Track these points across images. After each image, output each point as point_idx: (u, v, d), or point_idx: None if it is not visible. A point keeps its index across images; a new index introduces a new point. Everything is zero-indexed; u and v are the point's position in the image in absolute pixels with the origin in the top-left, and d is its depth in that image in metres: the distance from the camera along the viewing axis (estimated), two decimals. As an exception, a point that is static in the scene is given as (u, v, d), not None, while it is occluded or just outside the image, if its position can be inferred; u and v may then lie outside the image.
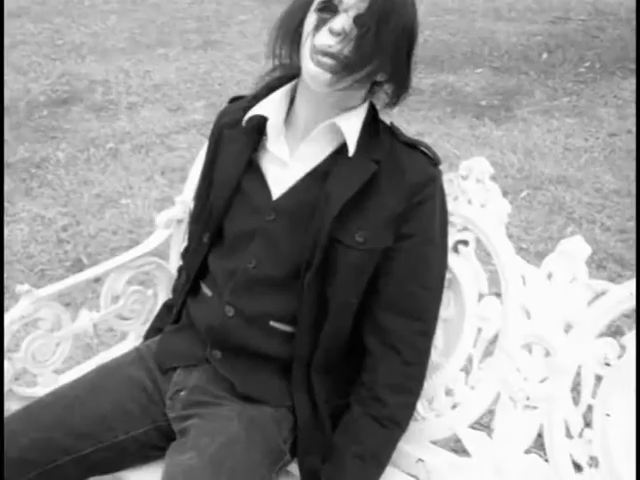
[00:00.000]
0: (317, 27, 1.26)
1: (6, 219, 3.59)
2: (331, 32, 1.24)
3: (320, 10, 1.27)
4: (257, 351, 1.40)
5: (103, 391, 1.44)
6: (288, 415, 1.40)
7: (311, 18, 1.28)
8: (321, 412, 1.39)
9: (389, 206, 1.33)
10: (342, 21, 1.24)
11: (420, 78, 5.41)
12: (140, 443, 1.44)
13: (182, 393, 1.43)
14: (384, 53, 1.26)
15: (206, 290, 1.47)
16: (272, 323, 1.39)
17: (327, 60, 1.25)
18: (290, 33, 1.32)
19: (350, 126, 1.34)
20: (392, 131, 1.40)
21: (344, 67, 1.25)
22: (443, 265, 1.41)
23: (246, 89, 1.41)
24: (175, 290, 1.64)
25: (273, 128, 1.39)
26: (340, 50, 1.24)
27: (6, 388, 1.55)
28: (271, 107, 1.38)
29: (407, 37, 1.30)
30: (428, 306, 1.39)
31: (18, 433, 1.37)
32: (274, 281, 1.38)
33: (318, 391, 1.38)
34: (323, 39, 1.25)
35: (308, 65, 1.28)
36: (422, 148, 1.40)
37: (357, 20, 1.24)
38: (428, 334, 1.40)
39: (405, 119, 4.62)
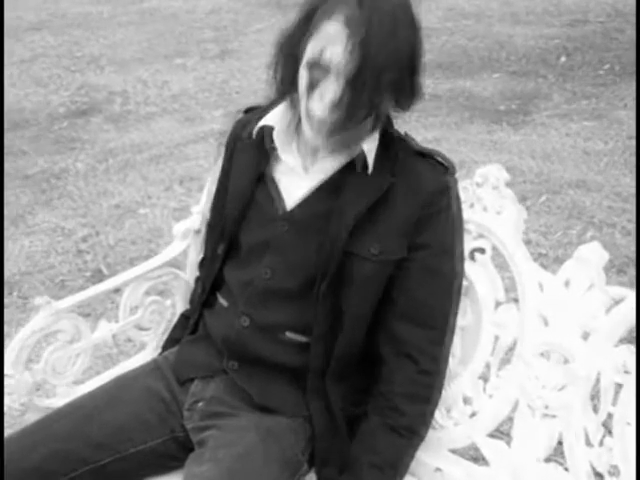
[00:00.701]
0: (310, 88, 1.25)
1: (26, 230, 3.63)
2: (322, 100, 1.24)
3: (310, 68, 1.24)
4: (273, 361, 1.40)
5: (121, 402, 1.45)
6: (305, 425, 1.40)
7: (303, 73, 1.26)
8: (337, 421, 1.38)
9: (403, 217, 1.33)
10: (333, 89, 1.22)
11: (437, 83, 5.40)
12: (158, 454, 1.44)
13: (200, 404, 1.44)
14: (381, 99, 1.24)
15: (222, 301, 1.48)
16: (287, 334, 1.39)
17: (322, 127, 1.26)
18: (289, 62, 1.30)
19: (367, 145, 1.34)
20: (406, 141, 1.40)
21: (339, 129, 1.25)
22: (459, 274, 1.41)
23: (263, 98, 1.43)
24: (192, 301, 1.64)
25: (280, 138, 1.39)
26: (334, 117, 1.24)
27: (26, 399, 1.56)
28: (278, 117, 1.39)
29: (407, 70, 1.26)
30: (443, 315, 1.39)
31: (37, 443, 1.38)
32: (288, 292, 1.38)
33: (333, 400, 1.38)
34: (316, 106, 1.25)
35: (305, 125, 1.28)
36: (436, 157, 1.39)
37: (350, 84, 1.21)
38: (444, 343, 1.39)
39: (422, 124, 4.62)
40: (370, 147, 1.33)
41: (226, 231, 1.45)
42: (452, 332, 1.41)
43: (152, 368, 1.54)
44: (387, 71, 1.21)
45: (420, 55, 1.28)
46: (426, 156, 1.39)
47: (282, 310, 1.39)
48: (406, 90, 1.29)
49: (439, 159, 1.39)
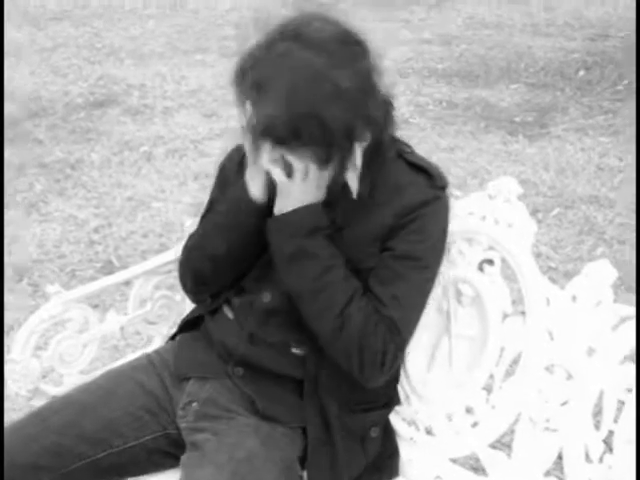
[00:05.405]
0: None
1: (39, 218, 3.65)
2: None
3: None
4: (279, 373, 1.43)
5: (114, 396, 1.46)
6: (301, 435, 1.42)
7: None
8: (332, 428, 1.39)
9: (378, 226, 1.36)
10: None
11: (454, 92, 5.40)
12: (150, 449, 1.45)
13: (194, 404, 1.44)
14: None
15: (227, 312, 1.49)
16: (292, 349, 1.42)
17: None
18: None
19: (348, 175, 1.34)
20: (400, 154, 1.40)
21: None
22: (424, 285, 1.40)
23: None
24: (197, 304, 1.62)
25: None
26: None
27: (33, 386, 1.58)
28: None
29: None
30: (401, 319, 1.36)
31: (31, 438, 1.39)
32: (287, 312, 1.40)
33: (328, 404, 1.39)
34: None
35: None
36: (428, 170, 1.39)
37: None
38: (402, 348, 1.39)
39: (437, 132, 4.62)
40: (351, 176, 1.33)
41: None
42: (409, 338, 1.40)
43: (145, 364, 1.54)
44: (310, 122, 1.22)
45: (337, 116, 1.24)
46: (418, 168, 1.39)
47: (285, 328, 1.41)
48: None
49: (431, 171, 1.39)
